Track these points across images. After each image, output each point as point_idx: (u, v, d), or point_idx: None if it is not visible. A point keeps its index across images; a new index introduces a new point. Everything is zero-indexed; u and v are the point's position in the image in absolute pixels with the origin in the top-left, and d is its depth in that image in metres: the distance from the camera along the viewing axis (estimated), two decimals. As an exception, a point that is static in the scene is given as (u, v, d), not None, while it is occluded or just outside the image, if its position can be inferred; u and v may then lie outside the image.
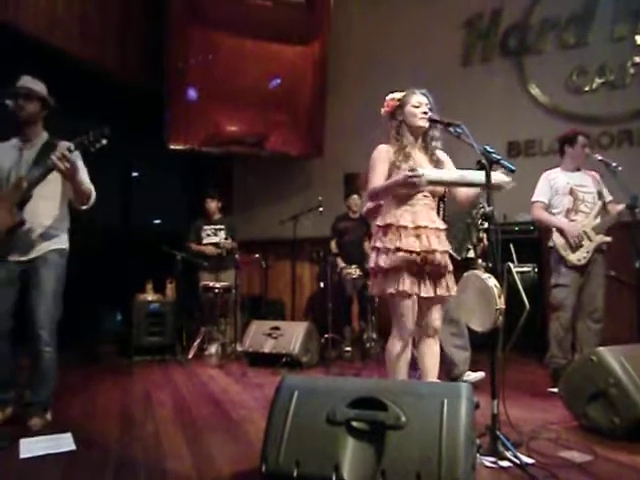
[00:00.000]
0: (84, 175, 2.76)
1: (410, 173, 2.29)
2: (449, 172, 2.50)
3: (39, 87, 2.76)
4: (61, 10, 5.03)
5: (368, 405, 1.74)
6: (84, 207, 2.80)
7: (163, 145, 5.91)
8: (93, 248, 5.64)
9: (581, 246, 3.49)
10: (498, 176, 2.30)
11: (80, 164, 2.74)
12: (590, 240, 3.48)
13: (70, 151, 2.51)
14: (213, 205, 5.43)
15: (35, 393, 2.69)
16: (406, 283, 2.41)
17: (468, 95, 5.63)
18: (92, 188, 2.79)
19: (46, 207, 2.73)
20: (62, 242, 2.81)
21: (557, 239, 3.56)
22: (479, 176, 2.32)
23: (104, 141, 2.51)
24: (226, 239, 5.27)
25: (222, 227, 5.37)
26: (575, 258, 3.49)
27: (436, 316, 2.56)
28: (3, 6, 4.43)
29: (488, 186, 2.24)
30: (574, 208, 3.57)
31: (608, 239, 3.50)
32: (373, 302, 4.83)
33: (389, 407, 1.70)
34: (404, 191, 2.45)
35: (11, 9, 4.51)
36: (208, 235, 5.35)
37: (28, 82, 2.74)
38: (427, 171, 2.34)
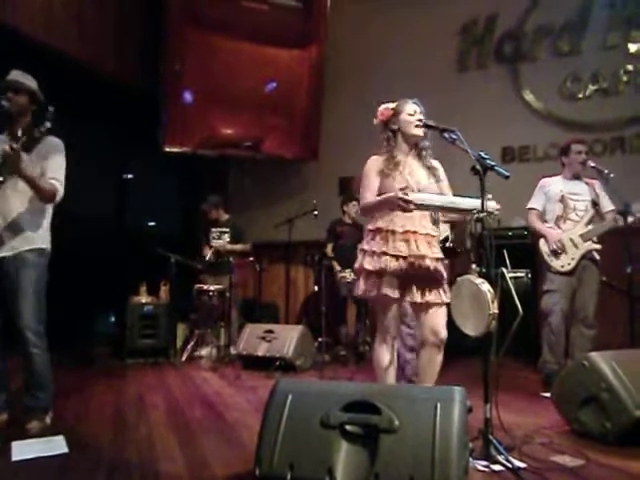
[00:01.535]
0: (56, 172, 2.66)
1: (400, 195, 2.28)
2: (440, 197, 2.49)
3: (28, 81, 2.73)
4: (58, 11, 5.04)
5: (362, 409, 1.75)
6: (49, 203, 2.70)
7: (158, 147, 5.91)
8: (87, 250, 5.62)
9: (565, 253, 3.53)
10: (488, 204, 2.32)
11: (56, 157, 2.68)
12: (576, 247, 3.52)
13: (19, 138, 2.46)
14: (215, 213, 5.44)
15: (34, 397, 2.64)
16: (387, 287, 2.42)
17: (463, 101, 5.66)
18: (58, 187, 2.66)
19: (20, 201, 2.64)
20: (40, 240, 2.70)
21: (542, 246, 3.65)
22: (470, 202, 2.35)
23: (48, 124, 2.49)
24: (233, 242, 5.29)
25: (226, 230, 5.36)
26: (559, 264, 3.55)
27: (440, 323, 2.48)
28: (0, 6, 4.43)
29: (482, 196, 2.26)
30: (563, 216, 3.63)
31: (597, 246, 3.54)
32: (367, 305, 4.84)
33: (383, 411, 1.71)
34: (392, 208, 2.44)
35: (8, 9, 4.52)
36: (214, 238, 5.34)
37: (17, 76, 2.72)
38: (417, 196, 2.34)
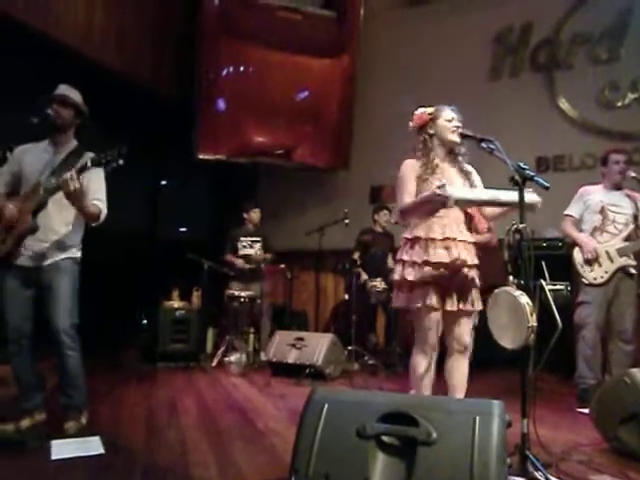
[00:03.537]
0: (98, 192, 2.74)
1: (438, 191, 2.21)
2: (479, 191, 2.46)
3: (74, 95, 2.82)
4: (99, 21, 5.18)
5: (399, 420, 1.72)
6: (93, 224, 2.79)
7: (190, 154, 6.00)
8: (120, 254, 5.73)
9: (599, 265, 3.44)
10: (529, 196, 2.28)
11: (97, 178, 2.75)
12: (611, 261, 3.43)
13: (86, 168, 2.52)
14: (255, 216, 5.47)
15: (69, 396, 2.71)
16: (433, 297, 2.40)
17: (497, 109, 5.60)
18: (102, 207, 2.75)
19: (61, 216, 2.72)
20: (75, 252, 2.80)
21: (576, 255, 3.56)
22: (510, 196, 2.30)
23: (121, 161, 2.51)
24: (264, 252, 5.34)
25: (258, 239, 5.40)
26: (592, 276, 3.46)
27: (466, 331, 2.52)
28: (43, 15, 4.58)
29: (521, 206, 2.22)
30: (601, 227, 3.53)
31: (633, 262, 3.44)
32: (397, 315, 4.80)
33: (420, 423, 1.69)
34: (432, 207, 2.43)
35: (51, 19, 4.67)
36: (244, 247, 5.37)
37: (65, 90, 2.81)
38: (456, 191, 2.28)
